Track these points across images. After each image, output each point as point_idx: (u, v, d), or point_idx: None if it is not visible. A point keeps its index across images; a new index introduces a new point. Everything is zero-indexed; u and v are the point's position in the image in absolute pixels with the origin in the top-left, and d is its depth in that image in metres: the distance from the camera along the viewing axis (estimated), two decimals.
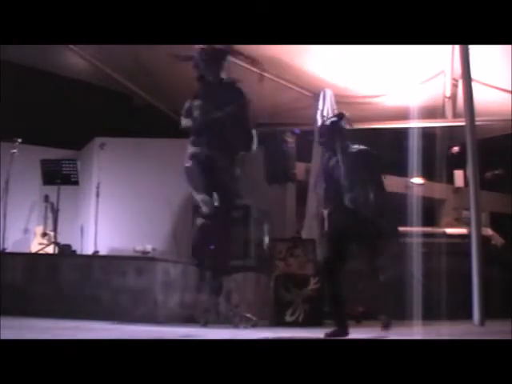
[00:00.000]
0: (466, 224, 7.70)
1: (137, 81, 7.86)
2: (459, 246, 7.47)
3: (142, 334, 4.03)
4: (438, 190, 9.87)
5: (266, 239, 6.55)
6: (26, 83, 7.78)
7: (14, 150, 7.32)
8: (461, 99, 6.65)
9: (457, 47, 6.62)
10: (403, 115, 7.64)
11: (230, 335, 3.53)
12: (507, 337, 3.84)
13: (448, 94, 7.82)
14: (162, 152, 7.72)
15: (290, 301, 6.22)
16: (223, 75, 4.40)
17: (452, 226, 8.87)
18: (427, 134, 7.89)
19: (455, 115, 7.74)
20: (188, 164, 4.23)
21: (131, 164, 7.95)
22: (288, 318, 6.15)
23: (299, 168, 8.31)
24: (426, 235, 7.93)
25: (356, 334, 4.94)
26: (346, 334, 4.02)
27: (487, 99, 7.22)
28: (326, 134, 4.31)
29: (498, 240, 8.70)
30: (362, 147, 4.31)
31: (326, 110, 7.63)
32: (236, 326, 4.30)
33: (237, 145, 4.39)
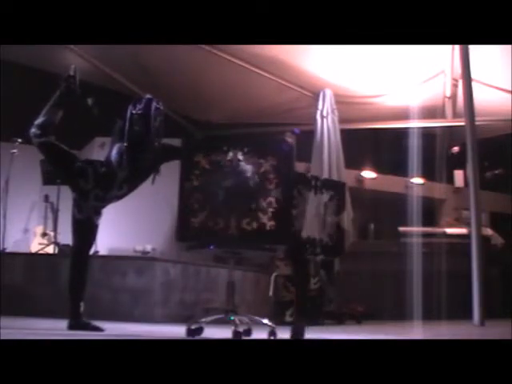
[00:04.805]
0: (466, 224, 7.70)
1: (137, 81, 7.86)
2: (459, 245, 7.47)
3: (142, 334, 4.03)
4: (438, 190, 9.88)
5: None
6: (25, 83, 7.78)
7: (14, 150, 7.33)
8: (461, 99, 6.66)
9: (457, 47, 6.62)
10: (403, 115, 7.65)
11: (229, 335, 3.52)
12: (507, 337, 3.84)
13: (448, 94, 7.82)
14: None
15: (289, 301, 6.22)
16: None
17: (452, 225, 8.89)
18: (427, 134, 7.89)
19: (455, 115, 7.74)
20: None
21: None
22: (288, 318, 6.15)
23: (299, 168, 8.31)
24: (426, 235, 7.94)
25: (356, 334, 4.94)
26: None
27: (487, 99, 7.22)
28: None
29: (497, 240, 8.71)
30: None
31: (325, 110, 7.62)
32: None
33: None
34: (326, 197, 3.89)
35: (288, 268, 6.29)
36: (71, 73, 4.17)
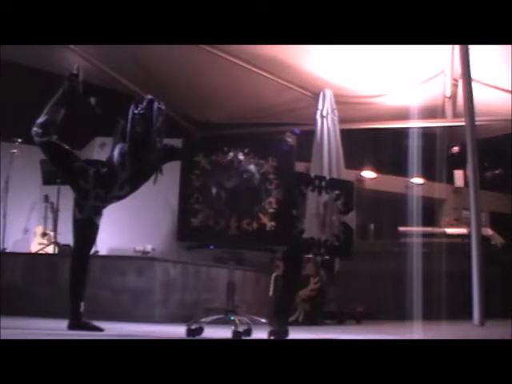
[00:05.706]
0: (466, 224, 7.70)
1: (137, 81, 7.86)
2: (459, 246, 7.47)
3: (141, 334, 4.03)
4: (438, 189, 9.88)
5: None
6: (26, 83, 7.78)
7: (14, 150, 7.33)
8: (461, 99, 6.65)
9: (457, 47, 6.61)
10: (403, 115, 7.65)
11: (229, 335, 3.52)
12: (507, 337, 3.84)
13: (448, 94, 7.82)
14: None
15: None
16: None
17: (452, 226, 8.89)
18: (427, 134, 7.89)
19: (455, 115, 7.74)
20: None
21: None
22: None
23: (299, 168, 8.31)
24: (426, 235, 7.94)
25: (356, 334, 4.95)
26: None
27: (487, 99, 7.22)
28: None
29: (498, 240, 8.71)
30: None
31: (325, 110, 7.62)
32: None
33: None
34: (332, 197, 3.88)
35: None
36: (74, 71, 4.17)
